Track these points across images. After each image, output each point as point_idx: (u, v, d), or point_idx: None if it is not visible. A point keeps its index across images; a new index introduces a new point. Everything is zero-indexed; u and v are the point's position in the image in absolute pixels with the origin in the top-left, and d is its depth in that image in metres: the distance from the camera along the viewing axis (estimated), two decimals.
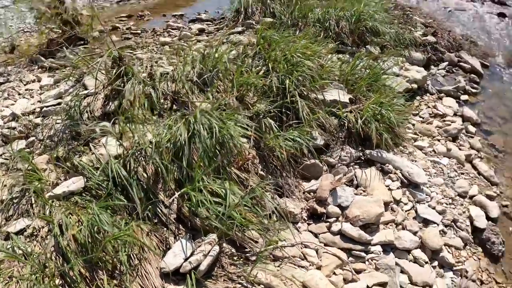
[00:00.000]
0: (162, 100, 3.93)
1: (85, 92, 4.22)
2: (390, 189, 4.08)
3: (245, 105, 4.04)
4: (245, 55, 4.70)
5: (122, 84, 3.91)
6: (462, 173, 4.73)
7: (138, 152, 3.28)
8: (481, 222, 4.06)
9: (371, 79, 4.95)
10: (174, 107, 3.95)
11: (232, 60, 4.57)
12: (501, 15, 10.66)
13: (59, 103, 4.45)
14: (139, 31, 6.95)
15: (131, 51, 5.78)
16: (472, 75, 7.01)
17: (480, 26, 9.65)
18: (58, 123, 3.98)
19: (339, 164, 4.15)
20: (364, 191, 3.98)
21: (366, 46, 6.12)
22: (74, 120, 3.84)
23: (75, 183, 3.14)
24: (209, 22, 7.02)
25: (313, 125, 4.13)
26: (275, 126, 3.88)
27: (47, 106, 4.45)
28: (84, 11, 8.66)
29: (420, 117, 5.70)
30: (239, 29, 6.11)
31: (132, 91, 3.84)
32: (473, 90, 6.60)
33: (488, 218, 4.19)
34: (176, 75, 4.11)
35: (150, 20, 7.75)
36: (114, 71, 3.98)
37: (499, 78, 7.34)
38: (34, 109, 4.59)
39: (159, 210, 3.13)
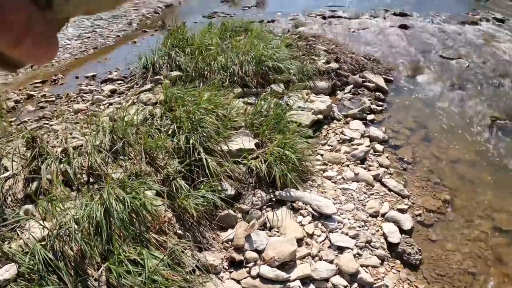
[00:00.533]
0: (78, 175, 4.12)
1: (6, 174, 4.35)
2: (302, 225, 4.33)
3: (157, 167, 4.27)
4: (153, 116, 4.93)
5: (39, 164, 4.09)
6: (372, 194, 5.03)
7: (62, 232, 3.47)
8: (394, 237, 4.37)
9: (274, 120, 5.20)
10: (91, 179, 4.15)
11: (141, 122, 4.81)
12: (403, 26, 11.31)
13: None
14: (53, 98, 7.01)
15: (47, 122, 5.93)
16: (377, 93, 7.35)
17: (384, 41, 10.26)
18: None
19: (252, 210, 4.38)
20: (277, 231, 4.22)
21: (271, 86, 6.37)
22: None
23: (8, 271, 3.26)
24: (120, 81, 7.17)
25: (222, 177, 4.39)
26: (185, 186, 4.10)
27: None
28: None
29: (329, 145, 5.95)
30: (148, 86, 6.29)
31: (49, 170, 4.04)
32: (379, 108, 6.94)
33: (402, 231, 4.50)
34: (89, 147, 4.31)
35: (64, 84, 7.82)
36: (29, 154, 4.16)
37: (403, 90, 7.81)
38: None
39: (90, 285, 3.29)
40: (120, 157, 4.31)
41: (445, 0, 15.57)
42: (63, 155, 4.31)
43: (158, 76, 6.43)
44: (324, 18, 12.38)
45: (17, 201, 4.02)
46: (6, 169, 4.53)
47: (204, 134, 4.51)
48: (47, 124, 5.91)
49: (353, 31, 10.97)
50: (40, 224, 3.53)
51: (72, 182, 4.06)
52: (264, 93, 6.03)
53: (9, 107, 6.86)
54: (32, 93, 7.52)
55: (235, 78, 6.24)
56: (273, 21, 11.98)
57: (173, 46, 6.84)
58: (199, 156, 4.29)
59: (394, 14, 13.05)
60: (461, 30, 11.50)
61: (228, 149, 4.58)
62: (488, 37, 10.91)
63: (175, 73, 6.33)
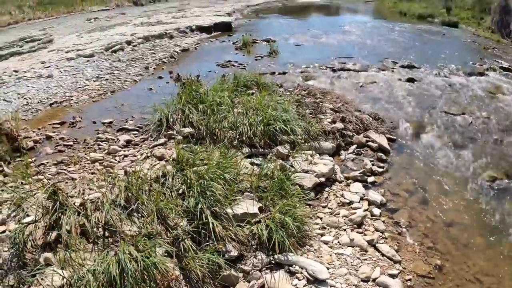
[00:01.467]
0: (95, 229, 4.49)
1: (27, 220, 4.71)
2: None
3: (167, 226, 4.64)
4: (165, 175, 5.31)
5: (60, 215, 4.48)
6: (365, 259, 5.27)
7: (80, 283, 3.84)
8: None
9: (278, 185, 5.54)
10: (106, 233, 4.52)
11: (154, 179, 5.20)
12: (410, 80, 11.62)
13: (3, 231, 4.72)
14: (71, 143, 7.36)
15: (64, 168, 6.31)
16: (380, 153, 7.59)
17: (390, 96, 10.53)
18: (5, 251, 4.46)
19: (252, 271, 4.69)
20: None
21: (277, 147, 6.68)
22: (19, 249, 4.35)
23: None
24: (135, 132, 7.54)
25: (226, 240, 4.74)
26: (192, 248, 4.46)
27: None
28: (19, 114, 9.13)
29: (329, 208, 6.19)
30: (162, 140, 6.69)
31: (68, 222, 4.43)
32: (380, 170, 7.16)
33: None
34: (105, 203, 4.70)
35: (82, 128, 8.14)
36: (51, 206, 4.55)
37: (405, 150, 8.05)
38: None
39: None
40: (134, 213, 4.68)
41: (453, 50, 16.03)
42: (82, 208, 4.68)
43: (172, 132, 6.82)
44: (333, 70, 12.65)
45: (37, 247, 4.40)
46: (27, 214, 4.93)
47: (212, 198, 4.85)
48: (64, 169, 6.26)
49: (361, 85, 11.23)
50: (60, 274, 3.90)
51: (89, 234, 4.43)
52: (270, 154, 6.38)
53: (28, 147, 7.27)
54: (50, 134, 7.83)
55: (244, 138, 6.59)
56: (284, 73, 12.26)
57: (187, 102, 7.21)
58: (206, 220, 4.64)
59: (402, 66, 13.38)
60: (467, 82, 11.88)
61: (233, 213, 4.91)
62: (494, 88, 11.33)
63: (187, 129, 6.74)
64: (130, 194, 4.83)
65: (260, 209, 5.16)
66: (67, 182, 5.77)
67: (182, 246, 4.43)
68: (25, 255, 4.31)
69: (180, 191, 5.08)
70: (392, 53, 15.43)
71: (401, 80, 11.85)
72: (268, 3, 49.28)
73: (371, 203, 6.34)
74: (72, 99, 10.15)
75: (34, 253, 4.33)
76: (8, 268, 4.23)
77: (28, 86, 11.01)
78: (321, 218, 5.95)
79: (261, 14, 31.34)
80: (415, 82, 11.67)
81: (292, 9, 40.66)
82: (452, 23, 23.14)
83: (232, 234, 4.76)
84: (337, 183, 6.76)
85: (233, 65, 13.34)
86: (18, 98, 10.29)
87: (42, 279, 4.02)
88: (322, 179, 6.54)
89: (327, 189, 6.58)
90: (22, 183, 5.68)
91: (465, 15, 24.50)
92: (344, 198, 6.37)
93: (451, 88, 11.36)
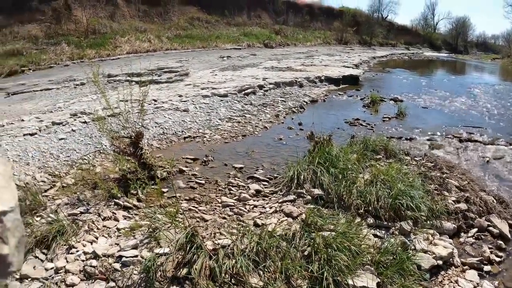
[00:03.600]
0: (223, 275, 4.81)
1: (161, 251, 5.13)
2: None
3: (290, 286, 4.87)
4: (293, 234, 5.57)
5: (193, 256, 4.86)
6: None
7: None
8: None
9: (398, 264, 5.59)
10: (233, 281, 4.82)
11: (283, 237, 5.48)
12: None
13: (136, 255, 5.20)
14: (203, 182, 7.77)
15: (196, 206, 6.74)
16: (499, 241, 7.23)
17: None
18: (135, 274, 4.88)
19: None
20: None
21: (401, 223, 6.68)
22: (149, 276, 4.76)
23: None
24: (265, 182, 7.81)
25: None
26: None
27: (126, 256, 5.17)
28: (154, 142, 9.79)
29: None
30: (291, 197, 6.92)
31: (200, 263, 4.79)
32: (497, 259, 6.79)
33: None
34: (235, 251, 5.03)
35: (213, 168, 8.54)
36: (188, 247, 4.94)
37: None
38: (113, 253, 5.28)
39: None
40: (260, 267, 4.96)
41: None
42: (214, 252, 5.04)
43: (301, 190, 7.05)
44: (460, 141, 12.44)
45: (165, 278, 4.79)
46: (159, 243, 5.37)
47: (336, 267, 5.03)
48: (196, 207, 6.69)
49: (488, 161, 10.91)
50: None
51: (217, 278, 4.75)
52: (393, 228, 6.48)
53: (162, 177, 7.79)
54: (184, 168, 8.32)
55: (370, 208, 6.70)
56: (411, 139, 12.26)
57: (319, 164, 7.45)
58: None
59: None
60: None
61: (353, 285, 5.03)
62: None
63: (317, 191, 6.93)
64: (260, 248, 5.10)
65: (377, 284, 5.24)
66: (198, 221, 6.18)
67: None
68: (154, 283, 4.71)
69: (306, 253, 5.29)
70: None
71: None
72: (393, 55, 49.31)
73: None
74: (205, 137, 10.73)
75: (162, 283, 4.72)
76: None
77: (165, 117, 11.77)
78: None
79: (387, 68, 31.44)
80: None
81: (417, 64, 40.40)
82: None
83: None
84: (453, 267, 6.56)
85: (361, 124, 13.49)
86: (155, 126, 11.00)
87: None
88: (440, 262, 6.42)
89: (442, 272, 6.39)
90: (154, 212, 6.16)
91: None
92: (458, 285, 6.17)
93: None
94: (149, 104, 12.76)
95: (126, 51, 29.68)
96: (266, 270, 4.96)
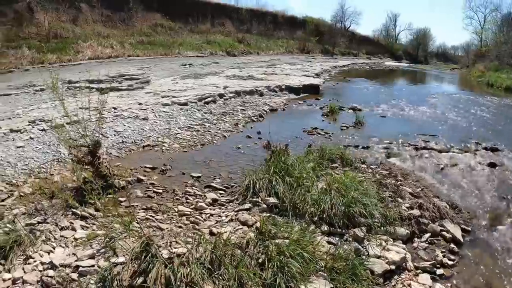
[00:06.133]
0: (178, 283, 4.89)
1: (115, 260, 5.20)
2: None
3: None
4: (247, 243, 5.68)
5: (149, 265, 4.94)
6: None
7: None
8: None
9: (351, 269, 5.70)
10: None
11: (237, 245, 5.59)
12: (492, 165, 11.48)
13: (93, 265, 5.25)
14: (161, 191, 7.83)
15: (152, 215, 6.80)
16: (452, 245, 7.44)
17: (470, 182, 10.40)
18: (92, 284, 4.92)
19: None
20: None
21: (354, 230, 6.81)
22: (105, 286, 4.83)
23: None
24: (222, 191, 7.92)
25: None
26: None
27: (83, 266, 5.21)
28: (113, 150, 9.79)
29: None
30: (247, 206, 7.04)
31: (156, 272, 4.88)
32: (450, 262, 6.98)
33: None
34: (190, 259, 5.13)
35: (171, 177, 8.62)
36: (142, 255, 5.01)
37: (479, 244, 7.79)
38: (71, 263, 5.31)
39: None
40: (215, 275, 5.06)
41: None
42: (169, 261, 5.12)
43: (257, 199, 7.17)
44: (416, 149, 12.72)
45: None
46: (115, 252, 5.44)
47: (289, 274, 5.15)
48: (153, 216, 6.75)
49: (442, 168, 11.20)
50: None
51: (172, 286, 4.83)
52: (346, 235, 6.64)
53: (120, 186, 7.83)
54: (142, 177, 8.36)
55: (324, 216, 6.82)
56: (367, 147, 12.49)
57: (274, 173, 7.58)
58: None
59: (485, 148, 13.26)
60: None
61: None
62: None
63: (272, 200, 7.06)
64: (214, 256, 5.20)
65: None
66: (154, 231, 6.25)
67: None
68: None
69: (260, 261, 5.40)
70: (476, 132, 15.52)
71: (482, 164, 11.72)
72: (355, 65, 49.89)
73: None
74: (164, 145, 10.79)
75: None
76: None
77: (125, 125, 11.78)
78: None
79: (348, 77, 31.84)
80: (496, 168, 11.48)
81: (378, 73, 40.93)
82: None
83: None
84: (406, 271, 6.68)
85: (319, 133, 13.71)
86: (114, 135, 11.00)
87: None
88: (393, 267, 6.54)
89: (395, 276, 6.51)
90: (111, 221, 6.22)
91: None
92: None
93: None
94: (109, 112, 12.73)
95: (88, 56, 29.35)
96: (220, 277, 5.05)
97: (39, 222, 6.31)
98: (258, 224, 6.21)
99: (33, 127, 10.86)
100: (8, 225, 5.90)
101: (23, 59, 25.01)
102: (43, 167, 8.59)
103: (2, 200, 7.04)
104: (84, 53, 29.89)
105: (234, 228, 6.33)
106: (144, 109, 13.65)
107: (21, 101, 14.95)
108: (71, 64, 26.24)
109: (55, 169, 8.61)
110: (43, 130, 10.72)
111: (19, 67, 23.84)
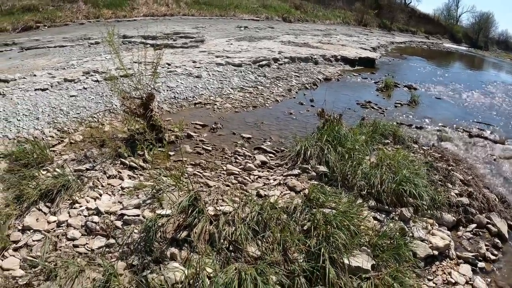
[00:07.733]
0: (222, 241, 4.87)
1: (163, 212, 5.20)
2: None
3: (287, 258, 4.92)
4: (295, 208, 5.61)
5: (195, 220, 4.93)
6: None
7: (197, 284, 4.24)
8: None
9: (394, 249, 5.60)
10: (231, 247, 4.88)
11: (284, 210, 5.52)
12: None
13: (138, 215, 5.29)
14: (210, 148, 7.82)
15: (201, 171, 6.78)
16: (496, 239, 7.20)
17: None
18: (135, 233, 4.97)
19: None
20: None
21: (402, 209, 6.68)
22: (149, 236, 4.83)
23: None
24: (271, 154, 7.84)
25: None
26: (304, 285, 4.64)
27: (128, 215, 5.26)
28: (164, 105, 9.79)
29: (434, 283, 5.99)
30: (296, 171, 6.95)
31: (201, 228, 4.86)
32: (492, 257, 6.78)
33: None
34: (236, 218, 5.09)
35: (221, 136, 8.59)
36: (189, 209, 5.00)
37: None
38: (116, 211, 5.38)
39: None
40: (259, 237, 5.01)
41: None
42: (214, 218, 5.09)
43: (306, 166, 7.07)
44: (470, 136, 12.27)
45: (165, 240, 4.86)
46: (161, 204, 5.43)
47: (333, 245, 5.06)
48: (201, 173, 6.74)
49: (495, 159, 10.80)
50: (183, 271, 4.32)
51: (216, 243, 4.82)
52: (393, 213, 6.50)
53: (170, 140, 7.83)
54: (192, 133, 8.37)
55: (373, 191, 6.71)
56: (421, 127, 12.14)
57: (327, 141, 7.46)
58: (323, 264, 4.83)
59: None
60: None
61: (348, 264, 5.04)
62: None
63: (322, 168, 6.95)
64: (260, 218, 5.15)
65: (372, 266, 5.27)
66: (202, 186, 6.23)
67: (296, 281, 4.67)
68: (153, 243, 4.78)
69: (305, 228, 5.34)
70: None
71: None
72: (412, 42, 48.72)
73: None
74: (215, 104, 10.76)
75: (161, 243, 4.80)
76: (134, 249, 4.77)
77: (177, 81, 11.76)
78: None
79: (404, 55, 31.11)
80: None
81: (436, 54, 39.83)
82: None
83: (342, 284, 4.87)
84: (448, 259, 6.56)
85: (372, 107, 13.40)
86: (167, 90, 11.01)
87: (164, 269, 4.47)
88: (435, 252, 6.43)
89: (437, 262, 6.41)
90: (159, 173, 6.22)
91: None
92: (451, 277, 6.16)
93: None
94: (163, 67, 12.75)
95: (143, 13, 29.39)
96: (264, 240, 5.02)
97: (87, 169, 6.39)
98: (306, 191, 6.14)
99: (87, 78, 10.99)
100: (57, 169, 5.98)
101: (79, 13, 25.23)
102: (94, 117, 8.69)
103: (53, 146, 7.16)
104: (140, 10, 29.93)
105: (282, 192, 6.27)
106: (198, 67, 13.62)
107: (75, 53, 15.14)
108: (126, 20, 26.38)
109: (106, 119, 8.71)
110: (97, 81, 10.86)
111: (75, 20, 24.11)
